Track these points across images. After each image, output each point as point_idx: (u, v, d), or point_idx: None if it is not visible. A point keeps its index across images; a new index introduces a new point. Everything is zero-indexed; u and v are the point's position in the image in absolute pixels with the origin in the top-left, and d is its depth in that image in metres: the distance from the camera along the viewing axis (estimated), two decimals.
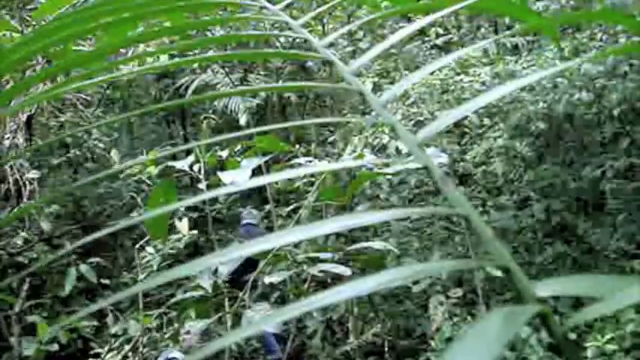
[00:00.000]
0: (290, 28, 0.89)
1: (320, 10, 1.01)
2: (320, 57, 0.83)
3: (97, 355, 4.63)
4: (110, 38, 0.91)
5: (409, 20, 7.06)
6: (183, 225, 4.24)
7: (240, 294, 3.52)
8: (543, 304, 0.52)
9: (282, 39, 7.06)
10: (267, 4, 0.94)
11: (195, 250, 7.14)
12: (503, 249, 0.56)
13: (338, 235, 5.64)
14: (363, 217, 0.63)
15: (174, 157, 5.61)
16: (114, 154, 4.67)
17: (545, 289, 0.54)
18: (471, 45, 6.78)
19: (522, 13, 0.98)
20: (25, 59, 0.83)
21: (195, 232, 4.56)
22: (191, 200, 0.62)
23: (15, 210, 6.11)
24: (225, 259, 0.55)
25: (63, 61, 0.84)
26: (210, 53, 5.99)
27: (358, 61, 0.84)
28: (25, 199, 6.23)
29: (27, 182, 6.37)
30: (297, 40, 6.96)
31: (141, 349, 4.04)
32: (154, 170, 3.79)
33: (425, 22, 0.92)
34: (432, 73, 6.19)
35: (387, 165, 3.07)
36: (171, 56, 5.51)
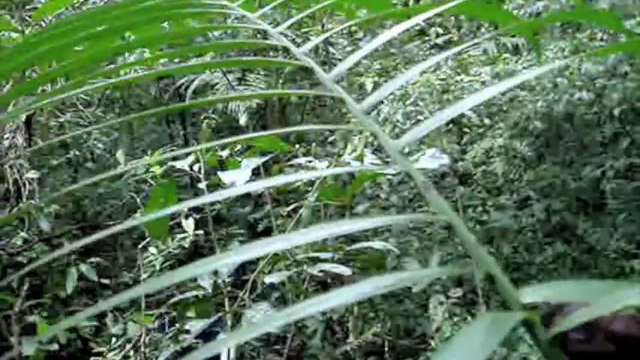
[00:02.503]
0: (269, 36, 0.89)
1: (293, 20, 1.00)
2: (299, 64, 0.83)
3: (99, 354, 4.63)
4: (98, 47, 0.92)
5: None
6: (189, 223, 4.22)
7: (241, 294, 3.53)
8: (529, 311, 0.51)
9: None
10: (247, 13, 0.94)
11: (195, 250, 7.14)
12: (487, 255, 0.56)
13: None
14: (356, 223, 0.63)
15: (174, 157, 5.61)
16: (119, 155, 4.66)
17: (530, 295, 0.54)
18: (472, 45, 6.75)
19: (499, 16, 0.98)
20: (18, 68, 0.83)
21: (200, 231, 4.55)
22: (192, 202, 0.62)
23: (14, 210, 6.11)
24: (226, 262, 0.56)
25: (59, 67, 0.84)
26: (208, 58, 6.00)
27: (337, 69, 0.84)
28: (24, 199, 6.23)
29: (26, 182, 6.37)
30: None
31: (142, 348, 4.04)
32: (158, 170, 3.79)
33: (412, 23, 0.92)
34: (432, 73, 6.19)
35: (386, 166, 3.07)
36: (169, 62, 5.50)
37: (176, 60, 5.26)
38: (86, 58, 0.82)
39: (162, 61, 5.20)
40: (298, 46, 0.87)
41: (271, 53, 6.99)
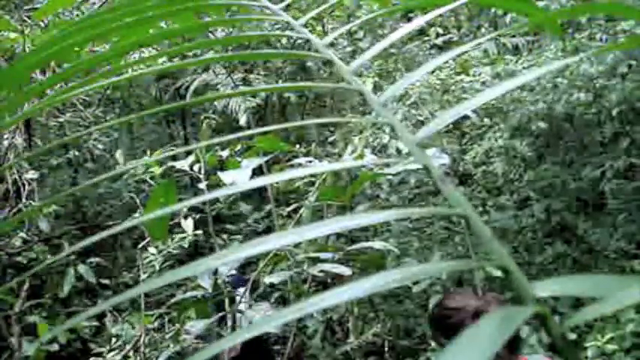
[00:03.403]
0: (291, 28, 0.89)
1: (321, 8, 1.00)
2: (320, 57, 0.83)
3: (98, 355, 4.63)
4: (119, 41, 0.92)
5: (409, 21, 7.06)
6: (188, 224, 4.22)
7: (241, 294, 3.53)
8: (542, 305, 0.51)
9: (283, 39, 7.05)
10: (269, 4, 0.94)
11: (195, 250, 7.13)
12: (502, 249, 0.56)
13: (338, 235, 5.64)
14: (363, 218, 0.63)
15: (174, 157, 5.61)
16: (119, 155, 4.66)
17: (544, 289, 0.54)
18: (477, 45, 6.77)
19: (526, 7, 0.97)
20: (38, 65, 0.83)
21: (199, 232, 4.55)
22: (192, 201, 0.61)
23: (14, 210, 6.11)
24: (227, 260, 0.55)
25: (73, 65, 0.84)
26: (211, 53, 5.99)
27: (358, 61, 0.84)
28: (24, 200, 6.23)
29: (26, 182, 6.37)
30: (298, 41, 6.95)
31: (142, 349, 4.04)
32: (157, 170, 3.79)
33: (424, 20, 0.92)
34: (432, 73, 6.19)
35: (387, 165, 3.07)
36: (171, 58, 5.50)
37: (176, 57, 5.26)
38: (114, 51, 0.82)
39: (161, 60, 5.21)
40: (296, 45, 0.87)
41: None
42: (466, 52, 6.60)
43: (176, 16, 0.93)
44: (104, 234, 0.60)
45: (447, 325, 1.93)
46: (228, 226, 7.46)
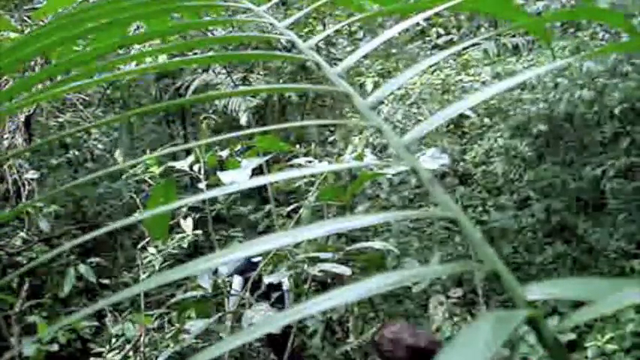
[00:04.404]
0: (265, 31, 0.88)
1: (300, 14, 1.00)
2: (305, 59, 0.83)
3: (99, 355, 4.62)
4: (105, 40, 0.91)
5: None
6: (187, 224, 4.22)
7: (241, 293, 3.52)
8: (534, 308, 0.51)
9: (282, 40, 7.04)
10: (252, 6, 0.93)
11: (195, 250, 7.13)
12: (492, 252, 0.56)
13: (338, 235, 5.64)
14: (361, 219, 0.62)
15: (174, 157, 5.61)
16: (118, 154, 4.66)
17: (535, 292, 0.53)
18: (471, 45, 6.75)
19: (509, 12, 0.97)
20: (24, 59, 0.83)
21: (199, 231, 4.55)
22: (191, 199, 0.61)
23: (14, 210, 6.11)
24: (226, 259, 0.55)
25: (62, 61, 0.84)
26: (211, 54, 5.99)
27: (343, 63, 0.83)
28: (24, 200, 6.23)
29: (26, 182, 6.37)
30: None
31: (142, 348, 4.03)
32: (157, 170, 3.79)
33: (415, 20, 0.91)
34: (432, 73, 6.19)
35: (387, 165, 3.07)
36: (171, 56, 5.50)
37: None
38: (92, 51, 0.82)
39: (161, 58, 5.20)
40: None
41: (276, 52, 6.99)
42: (465, 52, 6.60)
43: (155, 18, 0.93)
44: (103, 230, 0.60)
45: (381, 352, 2.25)
46: (228, 227, 7.46)
